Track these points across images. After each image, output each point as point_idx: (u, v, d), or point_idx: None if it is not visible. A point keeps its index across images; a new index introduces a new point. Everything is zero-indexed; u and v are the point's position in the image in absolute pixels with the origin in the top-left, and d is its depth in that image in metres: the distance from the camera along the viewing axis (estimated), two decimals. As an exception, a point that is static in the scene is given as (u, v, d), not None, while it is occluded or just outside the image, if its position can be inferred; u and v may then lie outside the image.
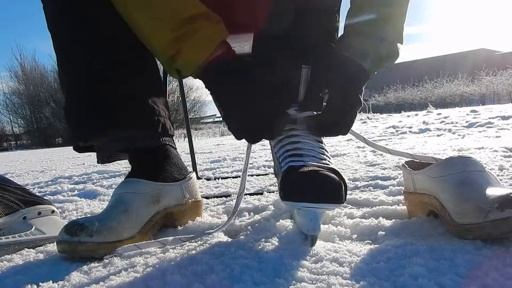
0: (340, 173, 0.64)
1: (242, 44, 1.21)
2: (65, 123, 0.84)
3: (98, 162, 0.89)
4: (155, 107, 0.83)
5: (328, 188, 0.60)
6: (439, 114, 5.81)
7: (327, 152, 0.70)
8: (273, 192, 1.10)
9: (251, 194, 1.13)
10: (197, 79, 0.67)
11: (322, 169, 0.63)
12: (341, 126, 0.70)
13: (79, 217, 0.91)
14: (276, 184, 1.27)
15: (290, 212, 0.79)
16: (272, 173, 1.55)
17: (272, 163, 1.87)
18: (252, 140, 0.69)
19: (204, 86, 0.68)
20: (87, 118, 0.79)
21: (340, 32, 0.78)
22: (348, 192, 0.64)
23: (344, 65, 0.68)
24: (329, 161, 0.67)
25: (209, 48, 0.63)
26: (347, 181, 0.64)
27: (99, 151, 0.87)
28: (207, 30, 0.63)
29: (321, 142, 0.71)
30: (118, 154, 0.89)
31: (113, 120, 0.79)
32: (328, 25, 0.79)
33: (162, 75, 1.44)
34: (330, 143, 2.98)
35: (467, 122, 3.64)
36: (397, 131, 3.59)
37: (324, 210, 0.65)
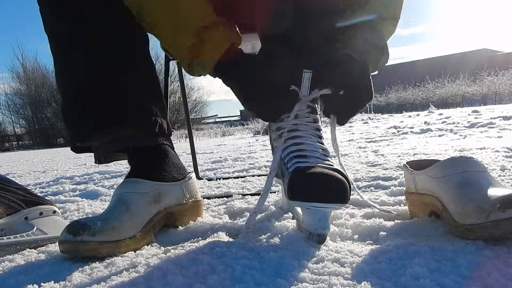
0: (344, 173, 0.65)
1: (243, 45, 1.22)
2: (63, 123, 0.84)
3: (95, 163, 0.89)
4: (152, 107, 0.83)
5: (336, 188, 0.62)
6: (440, 114, 5.80)
7: (328, 153, 0.71)
8: (274, 192, 1.10)
9: (252, 195, 1.13)
10: (203, 78, 0.72)
11: (328, 169, 0.64)
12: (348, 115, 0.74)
13: (80, 217, 0.91)
14: (277, 184, 1.27)
15: (291, 211, 0.79)
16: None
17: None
18: (270, 117, 0.76)
19: (222, 82, 0.74)
20: (84, 118, 0.79)
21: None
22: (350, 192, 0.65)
23: (349, 62, 0.72)
24: (331, 162, 0.69)
25: (221, 49, 0.71)
26: (350, 182, 0.65)
27: (96, 151, 0.87)
28: (220, 34, 0.71)
29: (322, 144, 0.72)
30: (116, 155, 0.89)
31: (110, 120, 0.79)
32: (329, 25, 0.79)
33: (163, 76, 1.45)
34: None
35: (468, 122, 3.63)
36: (398, 131, 3.58)
37: (332, 209, 0.67)
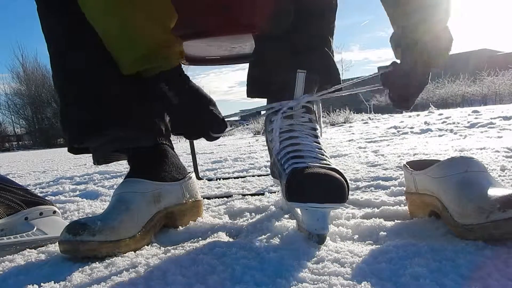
0: (342, 172, 0.65)
1: (243, 45, 1.22)
2: (60, 124, 0.84)
3: (94, 164, 0.89)
4: (151, 107, 0.83)
5: (333, 188, 0.61)
6: (440, 114, 5.80)
7: (325, 152, 0.71)
8: (274, 192, 1.10)
9: (252, 195, 1.13)
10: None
11: (325, 169, 0.64)
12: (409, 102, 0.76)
13: (80, 218, 0.91)
14: (278, 184, 1.27)
15: (291, 212, 0.79)
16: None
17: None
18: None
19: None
20: (82, 119, 0.79)
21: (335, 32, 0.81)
22: (350, 192, 0.65)
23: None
24: (329, 161, 0.68)
25: (180, 56, 0.73)
26: (348, 181, 0.65)
27: (94, 152, 0.87)
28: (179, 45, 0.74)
29: (319, 143, 0.72)
30: (115, 155, 0.89)
31: (108, 121, 0.78)
32: (326, 26, 0.79)
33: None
34: (332, 143, 2.98)
35: (468, 122, 3.63)
36: (398, 131, 3.58)
37: (331, 209, 0.66)
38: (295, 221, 0.74)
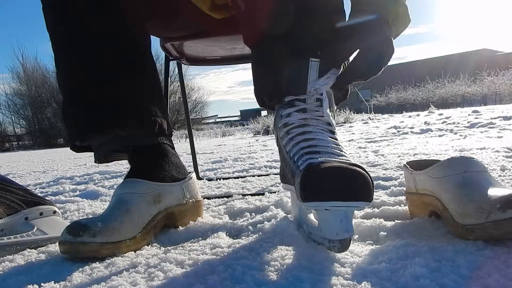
0: (365, 168, 0.57)
1: (243, 45, 1.21)
2: (62, 122, 0.84)
3: (95, 162, 0.89)
4: (152, 107, 0.83)
5: (359, 184, 0.54)
6: (440, 114, 5.80)
7: (343, 147, 0.64)
8: (275, 192, 1.10)
9: (252, 195, 1.13)
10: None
11: (346, 164, 0.56)
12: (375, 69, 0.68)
13: (81, 218, 0.91)
14: (278, 184, 1.27)
15: (302, 220, 0.71)
16: (274, 174, 1.55)
17: (275, 164, 1.87)
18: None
19: None
20: (84, 117, 0.80)
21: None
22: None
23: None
24: (348, 157, 0.62)
25: None
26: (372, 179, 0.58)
27: (96, 150, 0.87)
28: None
29: (336, 139, 0.66)
30: (116, 154, 0.89)
31: (109, 120, 0.79)
32: (330, 25, 0.79)
33: (163, 76, 1.45)
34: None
35: (468, 122, 3.63)
36: (398, 131, 3.58)
37: (356, 208, 0.57)
38: (295, 221, 0.74)
